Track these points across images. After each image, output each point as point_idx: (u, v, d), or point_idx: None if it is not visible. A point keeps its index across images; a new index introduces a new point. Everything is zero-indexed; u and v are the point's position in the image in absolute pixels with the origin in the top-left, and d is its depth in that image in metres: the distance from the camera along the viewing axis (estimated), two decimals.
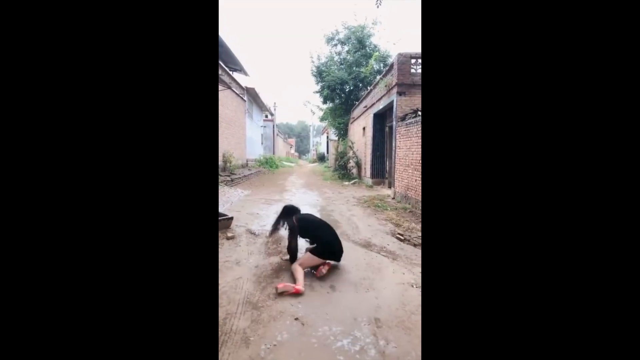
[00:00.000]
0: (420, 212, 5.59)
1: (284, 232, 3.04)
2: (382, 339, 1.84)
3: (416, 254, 3.47)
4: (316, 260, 2.73)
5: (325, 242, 2.80)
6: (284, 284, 2.44)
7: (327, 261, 2.79)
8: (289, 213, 2.96)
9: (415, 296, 2.42)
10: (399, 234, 4.14)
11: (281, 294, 2.36)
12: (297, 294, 2.37)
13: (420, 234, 4.17)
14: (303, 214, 3.04)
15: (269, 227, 4.34)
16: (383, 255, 3.37)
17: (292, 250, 2.81)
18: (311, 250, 2.77)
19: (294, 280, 2.55)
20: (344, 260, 2.99)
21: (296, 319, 2.03)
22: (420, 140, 5.69)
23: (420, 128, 5.74)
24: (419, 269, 2.98)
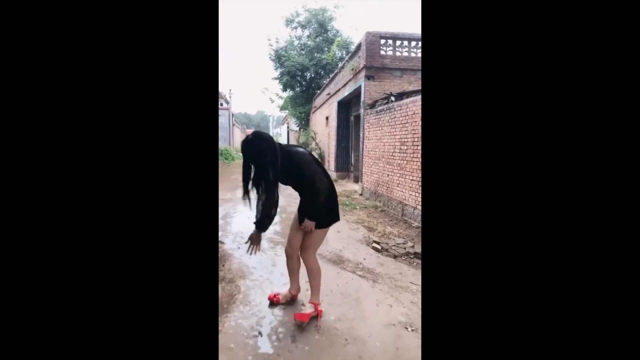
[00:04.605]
0: (393, 211, 4.96)
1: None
2: None
3: (400, 271, 2.76)
4: (324, 232, 1.82)
5: (330, 194, 1.76)
6: (301, 315, 1.83)
7: (319, 307, 1.92)
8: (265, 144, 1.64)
9: (414, 348, 1.68)
10: (374, 242, 3.43)
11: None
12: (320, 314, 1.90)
13: (398, 242, 3.50)
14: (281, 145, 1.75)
15: None
16: (359, 275, 2.61)
17: (270, 215, 1.72)
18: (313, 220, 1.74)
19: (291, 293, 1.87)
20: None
21: None
22: (393, 130, 5.02)
23: (393, 116, 5.07)
24: (409, 297, 2.27)
